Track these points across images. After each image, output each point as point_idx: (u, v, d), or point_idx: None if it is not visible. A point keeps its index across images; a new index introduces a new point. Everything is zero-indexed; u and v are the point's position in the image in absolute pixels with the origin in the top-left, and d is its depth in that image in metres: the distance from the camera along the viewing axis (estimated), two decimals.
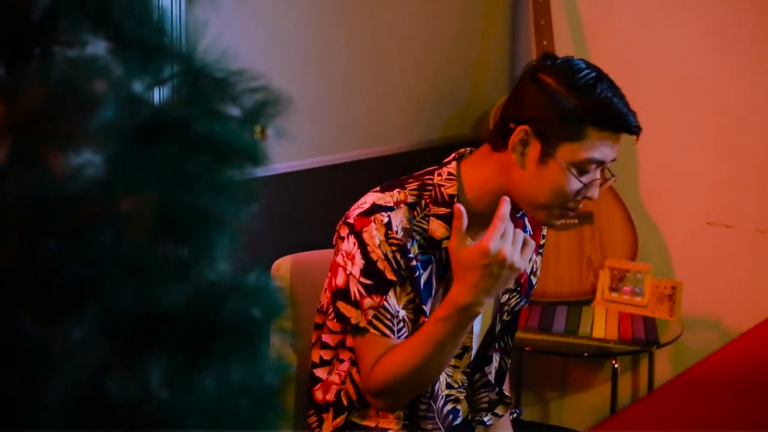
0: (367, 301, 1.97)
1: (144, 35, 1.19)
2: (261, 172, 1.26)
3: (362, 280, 1.96)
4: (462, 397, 2.19)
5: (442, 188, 2.03)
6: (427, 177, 2.06)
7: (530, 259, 2.16)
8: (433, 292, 2.05)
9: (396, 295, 1.97)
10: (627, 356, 3.01)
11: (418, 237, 2.00)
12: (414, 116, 2.96)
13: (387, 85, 3.09)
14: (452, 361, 2.11)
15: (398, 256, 1.96)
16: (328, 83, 2.83)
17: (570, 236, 3.13)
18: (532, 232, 2.21)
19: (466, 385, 2.19)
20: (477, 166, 2.06)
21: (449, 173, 2.05)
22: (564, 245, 3.12)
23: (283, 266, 2.33)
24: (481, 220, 2.03)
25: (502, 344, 2.25)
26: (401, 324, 2.00)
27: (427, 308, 2.04)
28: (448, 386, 2.15)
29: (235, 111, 1.25)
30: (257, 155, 1.21)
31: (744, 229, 3.17)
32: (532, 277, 2.28)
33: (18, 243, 1.05)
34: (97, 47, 1.18)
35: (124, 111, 1.10)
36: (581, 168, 1.94)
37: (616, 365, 2.88)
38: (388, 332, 1.98)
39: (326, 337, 2.12)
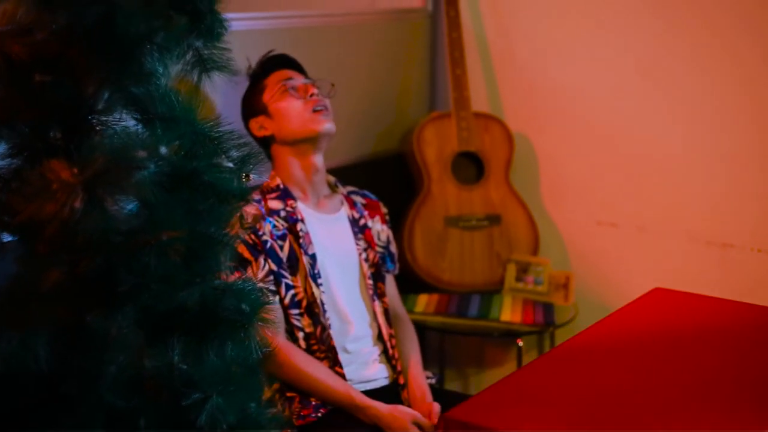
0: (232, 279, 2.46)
1: (162, 110, 1.60)
2: None
3: (226, 264, 2.45)
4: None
5: (270, 185, 2.56)
6: (261, 186, 2.57)
7: (377, 229, 2.72)
8: (299, 264, 2.50)
9: (253, 271, 2.44)
10: (531, 335, 3.19)
11: (274, 218, 2.49)
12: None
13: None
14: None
15: (252, 236, 2.45)
16: None
17: (482, 235, 3.28)
18: (363, 211, 2.72)
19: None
20: (275, 165, 2.61)
21: (272, 176, 2.59)
22: (477, 243, 3.28)
23: None
24: (302, 186, 2.59)
25: (375, 290, 2.66)
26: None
27: (296, 279, 2.48)
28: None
29: (228, 163, 1.67)
30: (246, 196, 1.64)
31: (627, 227, 3.33)
32: (390, 246, 2.76)
33: (89, 263, 1.46)
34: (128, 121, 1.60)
35: (156, 168, 1.50)
36: (282, 95, 2.57)
37: (520, 344, 3.07)
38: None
39: None
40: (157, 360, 1.53)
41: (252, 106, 2.65)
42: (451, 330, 3.11)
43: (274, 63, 2.68)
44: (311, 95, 2.59)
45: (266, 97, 2.61)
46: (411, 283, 3.12)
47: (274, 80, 2.63)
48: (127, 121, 1.56)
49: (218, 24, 1.56)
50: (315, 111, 2.58)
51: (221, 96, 2.66)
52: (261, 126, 2.60)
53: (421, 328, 2.93)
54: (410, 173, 3.40)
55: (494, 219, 3.33)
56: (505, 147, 3.38)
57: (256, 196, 2.52)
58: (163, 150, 1.52)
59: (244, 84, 2.69)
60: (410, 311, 2.98)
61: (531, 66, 3.51)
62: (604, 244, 3.39)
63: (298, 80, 2.63)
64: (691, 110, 3.20)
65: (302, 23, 3.16)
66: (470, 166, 3.38)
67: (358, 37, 3.36)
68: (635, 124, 3.31)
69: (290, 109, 2.59)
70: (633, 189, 3.33)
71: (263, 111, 2.61)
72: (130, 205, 1.45)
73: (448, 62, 3.40)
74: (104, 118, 1.55)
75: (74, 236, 1.42)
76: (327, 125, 2.58)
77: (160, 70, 1.55)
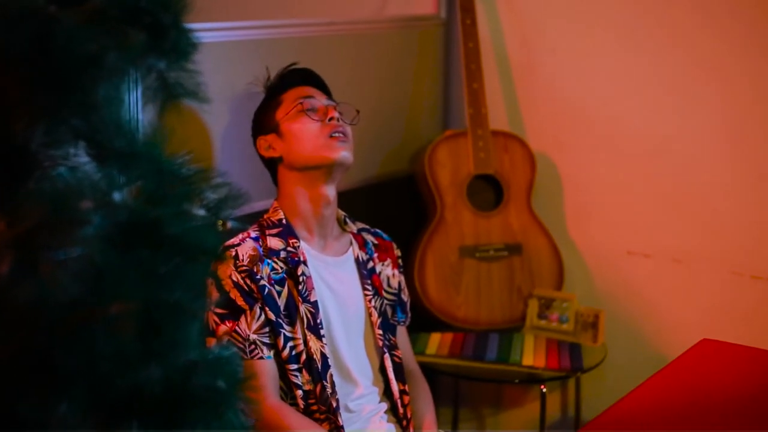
0: (222, 328, 2.22)
1: (119, 145, 1.33)
2: None
3: (217, 311, 2.23)
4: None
5: (271, 218, 2.36)
6: (262, 218, 2.38)
7: (387, 273, 2.51)
8: (298, 314, 2.28)
9: (246, 321, 2.22)
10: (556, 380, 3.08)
11: (273, 259, 2.28)
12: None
13: None
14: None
15: (248, 281, 2.22)
16: None
17: (501, 267, 3.21)
18: (373, 253, 2.52)
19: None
20: (280, 192, 2.40)
21: (274, 208, 2.39)
22: (495, 275, 3.20)
23: None
24: (308, 223, 2.37)
25: (386, 341, 2.47)
26: (253, 346, 2.23)
27: (295, 330, 2.27)
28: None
29: (199, 210, 1.42)
30: (221, 254, 1.38)
31: (662, 258, 3.25)
32: (402, 294, 2.55)
33: (21, 341, 1.20)
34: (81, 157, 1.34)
35: (106, 219, 1.23)
36: (298, 114, 2.38)
37: (544, 390, 2.91)
38: (240, 354, 2.19)
39: None
40: None
41: (263, 121, 2.47)
42: (467, 375, 2.98)
43: (295, 77, 2.51)
44: (330, 119, 2.39)
45: (280, 114, 2.43)
46: (422, 321, 2.97)
47: (291, 96, 2.45)
48: (80, 158, 1.31)
49: (185, 40, 1.29)
50: (332, 137, 2.38)
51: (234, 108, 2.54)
52: (269, 146, 2.42)
53: (432, 372, 2.78)
54: (421, 198, 3.33)
55: (514, 249, 3.22)
56: (526, 169, 3.30)
57: (254, 233, 2.31)
58: (116, 196, 1.27)
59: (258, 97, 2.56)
60: (421, 353, 2.85)
61: (555, 80, 3.44)
62: (637, 277, 3.28)
63: (319, 100, 2.45)
64: (728, 129, 3.11)
65: (304, 32, 3.07)
66: (488, 190, 3.30)
67: (364, 47, 3.29)
68: (669, 144, 3.22)
69: (304, 132, 2.39)
70: (667, 215, 3.24)
71: (274, 129, 2.43)
72: (72, 270, 1.19)
73: (464, 75, 3.33)
74: (52, 153, 1.29)
75: (2, 308, 1.18)
76: (343, 153, 2.36)
77: (115, 97, 1.29)
